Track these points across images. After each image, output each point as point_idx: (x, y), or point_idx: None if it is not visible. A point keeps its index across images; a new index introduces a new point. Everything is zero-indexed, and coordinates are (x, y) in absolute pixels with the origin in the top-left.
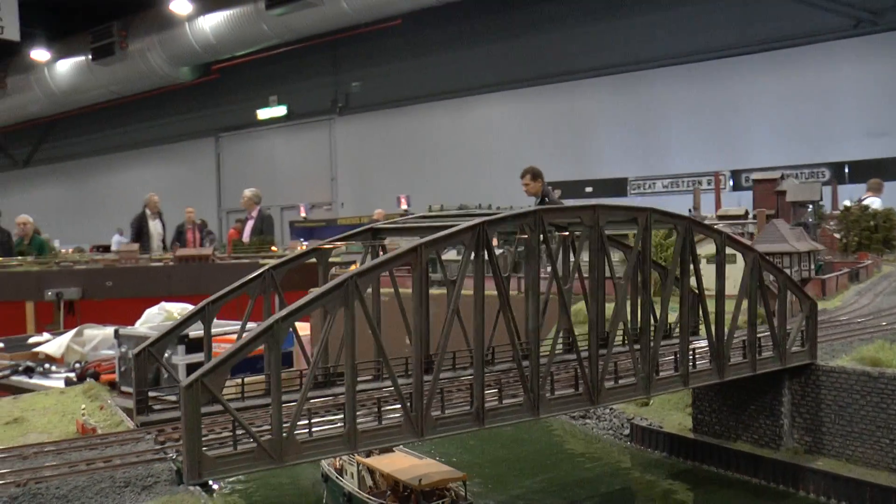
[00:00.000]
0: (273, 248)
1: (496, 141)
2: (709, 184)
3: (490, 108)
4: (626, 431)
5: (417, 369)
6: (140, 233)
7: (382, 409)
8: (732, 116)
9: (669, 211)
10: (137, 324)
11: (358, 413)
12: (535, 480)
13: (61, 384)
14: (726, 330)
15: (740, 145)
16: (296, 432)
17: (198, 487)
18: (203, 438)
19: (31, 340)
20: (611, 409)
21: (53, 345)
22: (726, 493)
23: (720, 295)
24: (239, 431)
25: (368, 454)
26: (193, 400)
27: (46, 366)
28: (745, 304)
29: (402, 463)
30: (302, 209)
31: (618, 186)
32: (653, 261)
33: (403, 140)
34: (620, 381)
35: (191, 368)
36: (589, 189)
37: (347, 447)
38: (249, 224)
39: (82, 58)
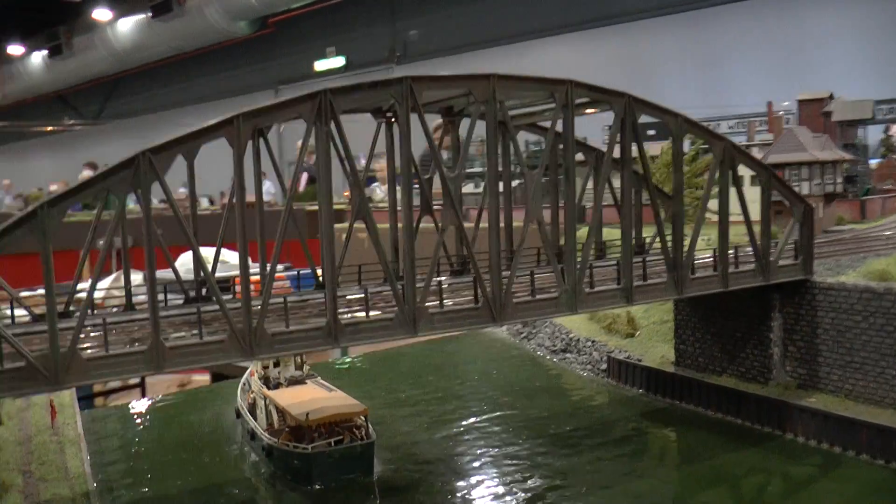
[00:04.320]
0: None
1: None
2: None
3: (549, 51)
4: (604, 366)
5: (244, 285)
6: None
7: (217, 325)
8: (802, 53)
9: (603, 87)
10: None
11: (185, 332)
12: (481, 419)
13: None
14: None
15: (812, 83)
16: (88, 349)
17: None
18: None
19: (79, 287)
20: (592, 341)
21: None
22: (700, 438)
23: (678, 191)
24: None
25: (277, 386)
26: None
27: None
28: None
29: (305, 396)
30: (361, 159)
31: None
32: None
33: None
34: (538, 297)
35: None
36: (651, 132)
37: (149, 367)
38: (305, 174)
39: (143, 15)
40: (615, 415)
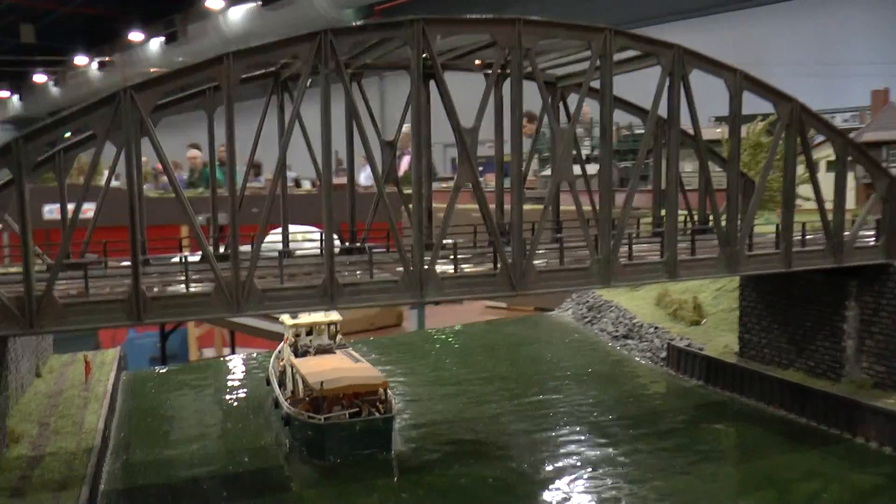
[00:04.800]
0: None
1: None
2: None
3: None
4: (664, 354)
5: (233, 236)
6: None
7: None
8: None
9: (645, 35)
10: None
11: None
12: (521, 403)
13: None
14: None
15: None
16: (69, 294)
17: None
18: None
19: (173, 260)
20: (655, 328)
21: None
22: (756, 435)
23: (733, 158)
24: None
25: (304, 354)
26: None
27: None
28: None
29: (327, 365)
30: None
31: None
32: (687, 136)
33: None
34: (567, 266)
35: None
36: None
37: (128, 317)
38: (405, 158)
39: (253, 4)
40: (666, 406)
